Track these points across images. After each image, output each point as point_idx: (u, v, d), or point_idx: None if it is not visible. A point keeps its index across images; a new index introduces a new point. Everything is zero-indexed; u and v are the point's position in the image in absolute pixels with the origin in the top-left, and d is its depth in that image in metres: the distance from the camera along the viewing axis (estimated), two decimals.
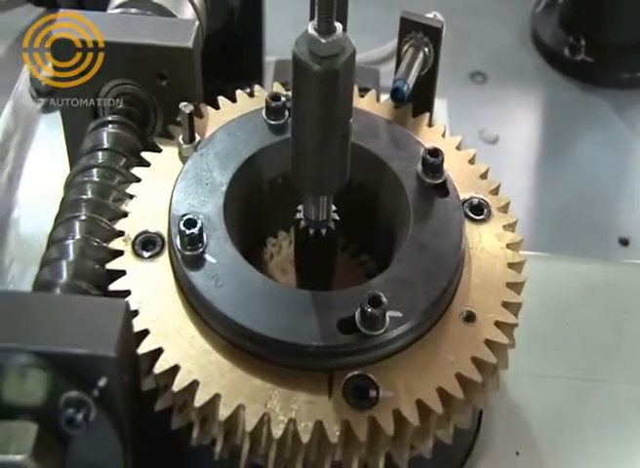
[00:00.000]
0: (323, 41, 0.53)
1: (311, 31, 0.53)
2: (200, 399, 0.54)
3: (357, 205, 0.67)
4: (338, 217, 0.63)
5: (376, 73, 0.98)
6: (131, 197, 0.64)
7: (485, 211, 0.65)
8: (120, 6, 0.81)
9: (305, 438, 0.53)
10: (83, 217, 0.62)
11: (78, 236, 0.61)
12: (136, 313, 0.57)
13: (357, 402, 0.55)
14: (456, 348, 0.57)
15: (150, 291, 0.59)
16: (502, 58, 1.22)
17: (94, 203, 0.63)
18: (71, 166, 0.77)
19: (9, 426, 0.49)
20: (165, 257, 0.60)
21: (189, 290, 0.58)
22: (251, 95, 0.72)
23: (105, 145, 0.68)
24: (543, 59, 1.21)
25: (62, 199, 0.65)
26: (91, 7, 0.91)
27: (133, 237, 0.61)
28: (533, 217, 1.02)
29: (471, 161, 0.69)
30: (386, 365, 0.56)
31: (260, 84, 0.99)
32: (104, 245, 0.61)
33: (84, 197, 0.64)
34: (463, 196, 0.65)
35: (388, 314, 0.56)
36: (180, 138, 0.66)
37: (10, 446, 0.49)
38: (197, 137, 0.66)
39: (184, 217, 0.59)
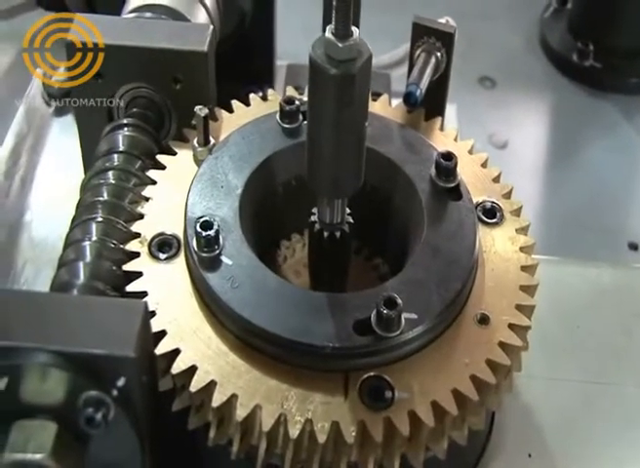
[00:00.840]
0: (340, 45, 0.53)
1: (328, 35, 0.53)
2: (217, 399, 0.54)
3: (371, 208, 0.68)
4: (352, 220, 0.64)
5: (387, 78, 0.99)
6: (147, 199, 0.64)
7: (498, 214, 0.65)
8: (134, 10, 0.81)
9: (322, 438, 0.53)
10: (99, 219, 0.62)
11: (95, 238, 0.61)
12: (153, 314, 0.57)
13: (373, 403, 0.55)
14: (470, 350, 0.58)
15: (167, 292, 0.59)
16: (511, 64, 1.23)
17: (110, 205, 0.64)
18: (85, 168, 0.77)
19: (29, 425, 0.49)
20: (181, 259, 0.61)
21: (206, 291, 0.59)
22: (264, 98, 0.73)
23: (121, 148, 0.69)
24: (552, 65, 1.22)
25: (79, 201, 0.66)
26: (102, 11, 0.92)
27: (149, 239, 0.62)
28: (542, 222, 1.02)
29: (484, 165, 0.69)
30: (402, 366, 0.57)
31: (271, 87, 1.00)
32: (121, 246, 0.61)
33: (100, 199, 0.64)
34: (476, 199, 0.65)
35: (404, 316, 0.56)
36: (195, 142, 0.67)
37: (29, 445, 0.49)
38: (212, 141, 0.67)
39: (201, 220, 0.60)
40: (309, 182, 0.60)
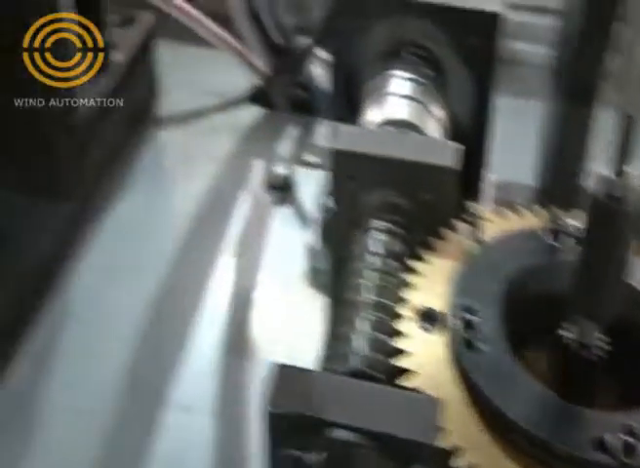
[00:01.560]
0: (618, 182, 0.59)
1: (606, 172, 0.59)
2: None
3: (628, 338, 0.70)
4: (605, 345, 0.66)
5: None
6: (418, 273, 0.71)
7: None
8: (378, 124, 0.88)
9: None
10: (368, 317, 0.68)
11: (366, 332, 0.67)
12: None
13: None
14: None
15: (428, 356, 0.65)
16: None
17: (376, 303, 0.70)
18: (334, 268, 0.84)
19: None
20: (443, 334, 0.67)
21: (460, 370, 0.64)
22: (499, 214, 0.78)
23: (377, 251, 0.75)
24: None
25: (344, 299, 0.71)
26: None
27: (417, 309, 0.68)
28: None
29: None
30: None
31: (476, 201, 1.04)
32: (390, 340, 0.67)
33: (366, 298, 0.70)
34: None
35: None
36: (466, 236, 0.74)
37: None
38: (482, 237, 0.74)
39: (463, 303, 0.66)
40: (570, 300, 0.65)
